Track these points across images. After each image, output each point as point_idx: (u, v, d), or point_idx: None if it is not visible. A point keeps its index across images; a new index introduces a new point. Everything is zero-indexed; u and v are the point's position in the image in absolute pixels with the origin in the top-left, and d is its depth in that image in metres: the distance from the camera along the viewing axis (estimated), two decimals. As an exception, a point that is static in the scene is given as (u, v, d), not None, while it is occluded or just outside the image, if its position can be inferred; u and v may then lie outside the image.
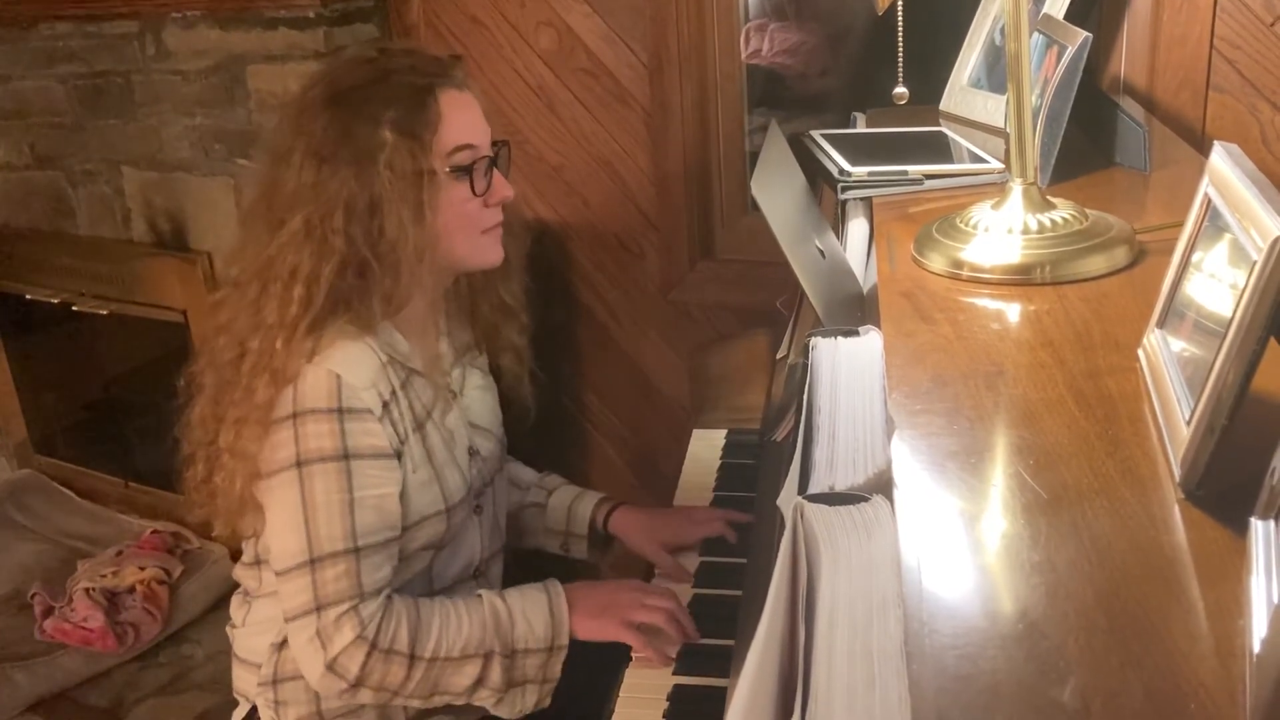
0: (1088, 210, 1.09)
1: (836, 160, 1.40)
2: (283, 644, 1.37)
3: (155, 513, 2.94)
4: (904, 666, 0.61)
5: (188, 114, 2.53)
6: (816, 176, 1.45)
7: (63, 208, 2.88)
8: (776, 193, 1.22)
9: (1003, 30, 1.27)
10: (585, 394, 2.45)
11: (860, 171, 1.36)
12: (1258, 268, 0.66)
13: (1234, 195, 0.74)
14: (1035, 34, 1.28)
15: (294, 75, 2.29)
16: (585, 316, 2.39)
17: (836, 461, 0.84)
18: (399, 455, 1.31)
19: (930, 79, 1.62)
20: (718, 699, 1.16)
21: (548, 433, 1.95)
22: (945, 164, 1.38)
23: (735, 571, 1.40)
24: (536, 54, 2.24)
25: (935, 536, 0.69)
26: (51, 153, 2.83)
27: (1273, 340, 0.67)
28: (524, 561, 1.61)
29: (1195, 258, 0.81)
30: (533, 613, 1.31)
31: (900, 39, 1.17)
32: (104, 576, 2.60)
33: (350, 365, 1.27)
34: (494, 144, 1.36)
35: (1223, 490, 0.69)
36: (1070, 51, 1.20)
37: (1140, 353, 0.86)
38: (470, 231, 1.34)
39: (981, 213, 1.09)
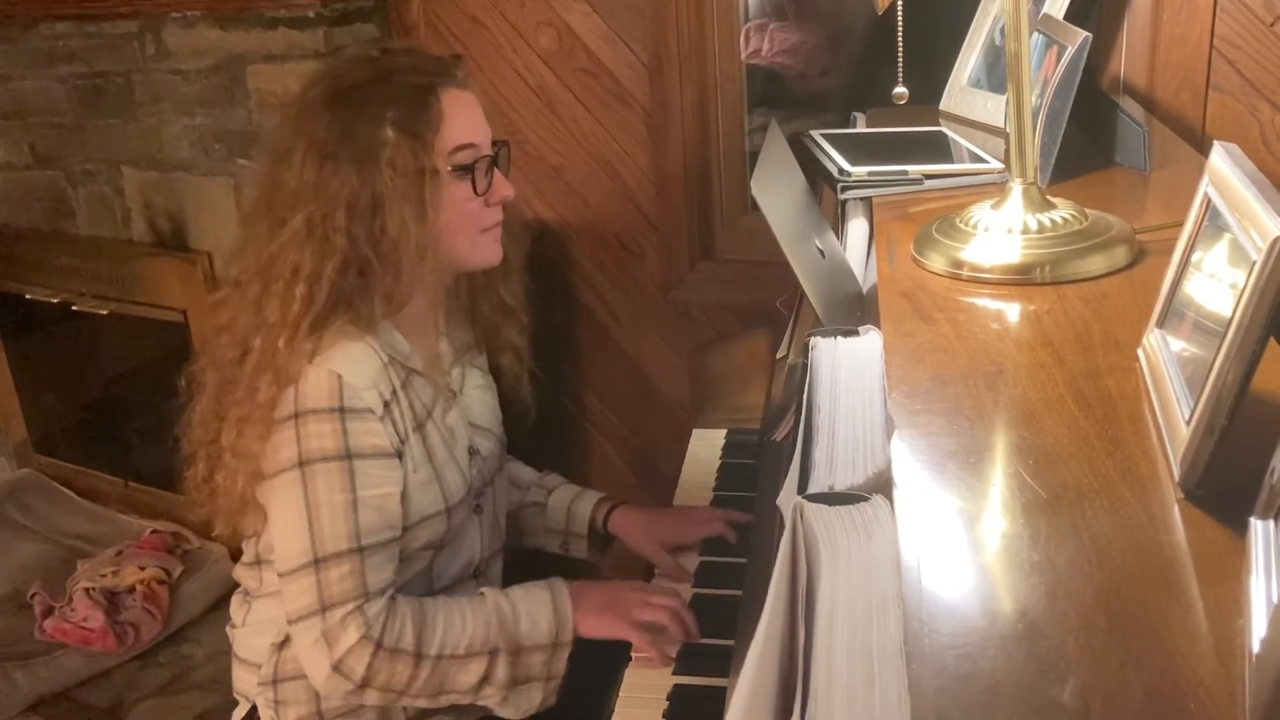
0: (1088, 210, 1.09)
1: (836, 160, 1.40)
2: (283, 644, 1.37)
3: (155, 512, 2.94)
4: (904, 666, 0.61)
5: (188, 114, 2.53)
6: (816, 176, 1.45)
7: (63, 208, 2.88)
8: (776, 193, 1.22)
9: (1003, 30, 1.27)
10: (585, 394, 2.45)
11: (860, 171, 1.36)
12: (1257, 268, 0.66)
13: (1234, 195, 0.74)
14: (1035, 34, 1.28)
15: (294, 75, 2.29)
16: (585, 316, 2.39)
17: (836, 461, 0.84)
18: (400, 455, 1.31)
19: (930, 79, 1.62)
20: (718, 699, 1.16)
21: (548, 433, 1.95)
22: (945, 164, 1.38)
23: (735, 571, 1.40)
24: (536, 54, 2.24)
25: (935, 536, 0.69)
26: (51, 153, 2.83)
27: (1273, 340, 0.67)
28: (524, 561, 1.61)
29: (1195, 257, 0.81)
30: (537, 609, 1.31)
31: (900, 39, 1.17)
32: (104, 576, 2.60)
33: (351, 365, 1.27)
34: (494, 144, 1.36)
35: (1222, 490, 0.69)
36: (1070, 51, 1.20)
37: (1140, 352, 0.86)
38: (471, 230, 1.34)
39: (981, 213, 1.09)
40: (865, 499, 0.76)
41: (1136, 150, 1.34)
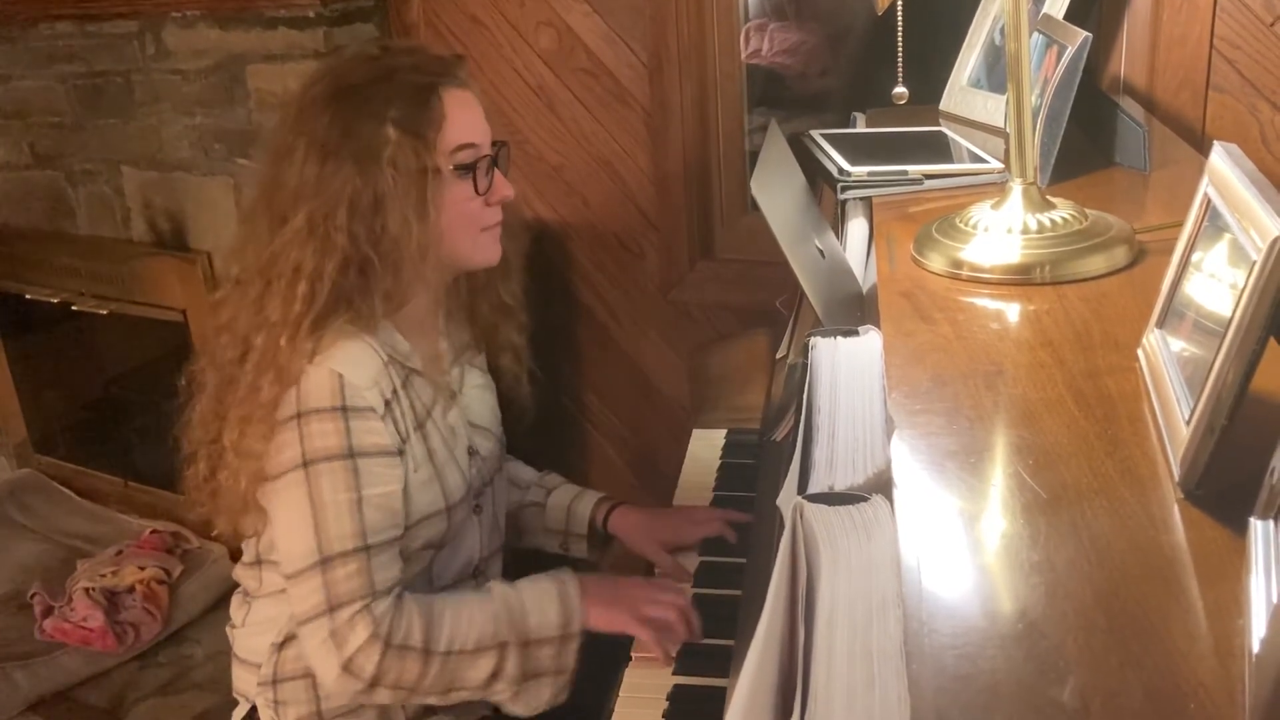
0: (1087, 210, 1.09)
1: (836, 160, 1.40)
2: (283, 644, 1.37)
3: (155, 512, 2.94)
4: (903, 666, 0.61)
5: (187, 113, 2.53)
6: (816, 176, 1.45)
7: (62, 207, 2.88)
8: (776, 192, 1.22)
9: (1003, 30, 1.27)
10: (585, 394, 2.45)
11: (860, 171, 1.36)
12: (1257, 267, 0.66)
13: (1234, 195, 0.74)
14: (1035, 34, 1.28)
15: (294, 75, 2.29)
16: (585, 316, 2.39)
17: (836, 461, 0.84)
18: (401, 454, 1.31)
19: (930, 79, 1.62)
20: (718, 699, 1.16)
21: (547, 432, 1.95)
22: (945, 164, 1.38)
23: (735, 571, 1.40)
24: (536, 54, 2.24)
25: (935, 536, 0.69)
26: (51, 152, 2.83)
27: (1272, 340, 0.67)
28: (523, 561, 1.61)
29: (1195, 258, 0.81)
30: (545, 601, 1.30)
31: (900, 39, 1.17)
32: (104, 576, 2.60)
33: (352, 364, 1.27)
34: (494, 144, 1.36)
35: (1222, 490, 0.69)
36: (1070, 51, 1.20)
37: (1140, 352, 0.86)
38: (470, 230, 1.34)
39: (981, 213, 1.09)
40: (865, 499, 0.76)
41: (1136, 150, 1.34)
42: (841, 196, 1.37)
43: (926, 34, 1.32)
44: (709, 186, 2.23)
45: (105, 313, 2.86)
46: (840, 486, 0.80)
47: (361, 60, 1.34)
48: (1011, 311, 0.98)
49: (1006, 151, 1.15)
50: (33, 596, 2.61)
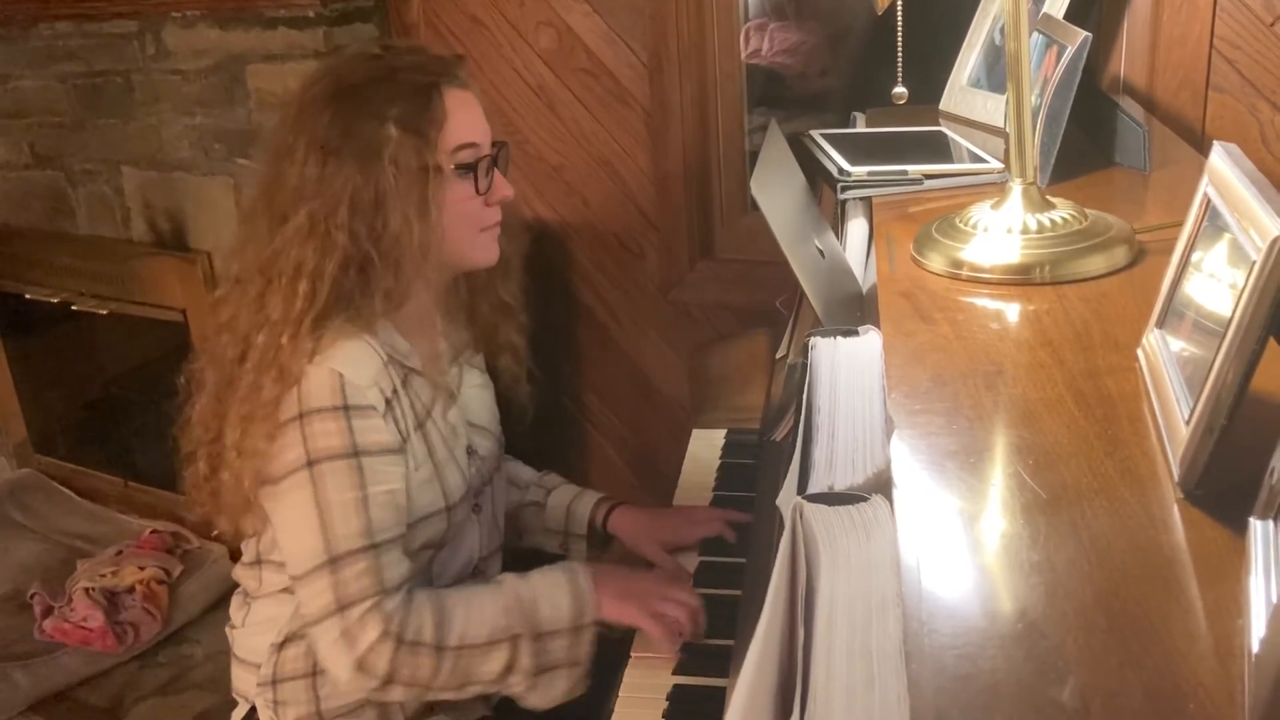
0: (1087, 210, 1.09)
1: (836, 160, 1.40)
2: (283, 644, 1.37)
3: (155, 512, 2.94)
4: (903, 666, 0.61)
5: (187, 113, 2.53)
6: (816, 176, 1.45)
7: (62, 207, 2.88)
8: (776, 192, 1.22)
9: (1002, 30, 1.27)
10: (585, 394, 2.45)
11: (860, 171, 1.36)
12: (1257, 267, 0.66)
13: (1233, 195, 0.74)
14: (1035, 34, 1.28)
15: (293, 75, 2.29)
16: (585, 316, 2.39)
17: (836, 461, 0.84)
18: (402, 452, 1.31)
19: (930, 79, 1.62)
20: (717, 699, 1.16)
21: (547, 432, 1.95)
22: (945, 164, 1.38)
23: (735, 571, 1.40)
24: (536, 54, 2.25)
25: (934, 536, 0.69)
26: (51, 152, 2.83)
27: (1272, 340, 0.67)
28: (523, 561, 1.61)
29: (1195, 257, 0.81)
30: (556, 592, 1.30)
31: (900, 39, 1.17)
32: (103, 576, 2.60)
33: (352, 364, 1.27)
34: (493, 144, 1.36)
35: (1222, 490, 0.69)
36: (1070, 51, 1.20)
37: (1139, 352, 0.86)
38: (469, 230, 1.34)
39: (981, 212, 1.09)
40: (865, 499, 0.76)
41: (1136, 150, 1.34)
42: (841, 196, 1.37)
43: (926, 34, 1.32)
44: (709, 186, 2.23)
45: (105, 313, 2.86)
46: (840, 486, 0.80)
47: (362, 59, 1.34)
48: (1011, 311, 0.98)
49: (1006, 151, 1.15)
50: (33, 596, 2.61)
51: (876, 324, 1.00)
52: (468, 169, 1.31)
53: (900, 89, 1.15)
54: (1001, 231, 1.06)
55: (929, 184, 1.35)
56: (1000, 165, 1.33)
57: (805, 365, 1.02)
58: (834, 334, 1.03)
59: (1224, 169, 0.77)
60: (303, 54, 2.28)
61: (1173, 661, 0.57)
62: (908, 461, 0.77)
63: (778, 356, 1.59)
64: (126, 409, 3.02)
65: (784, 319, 1.63)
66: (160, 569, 2.64)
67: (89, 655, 2.48)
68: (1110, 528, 0.67)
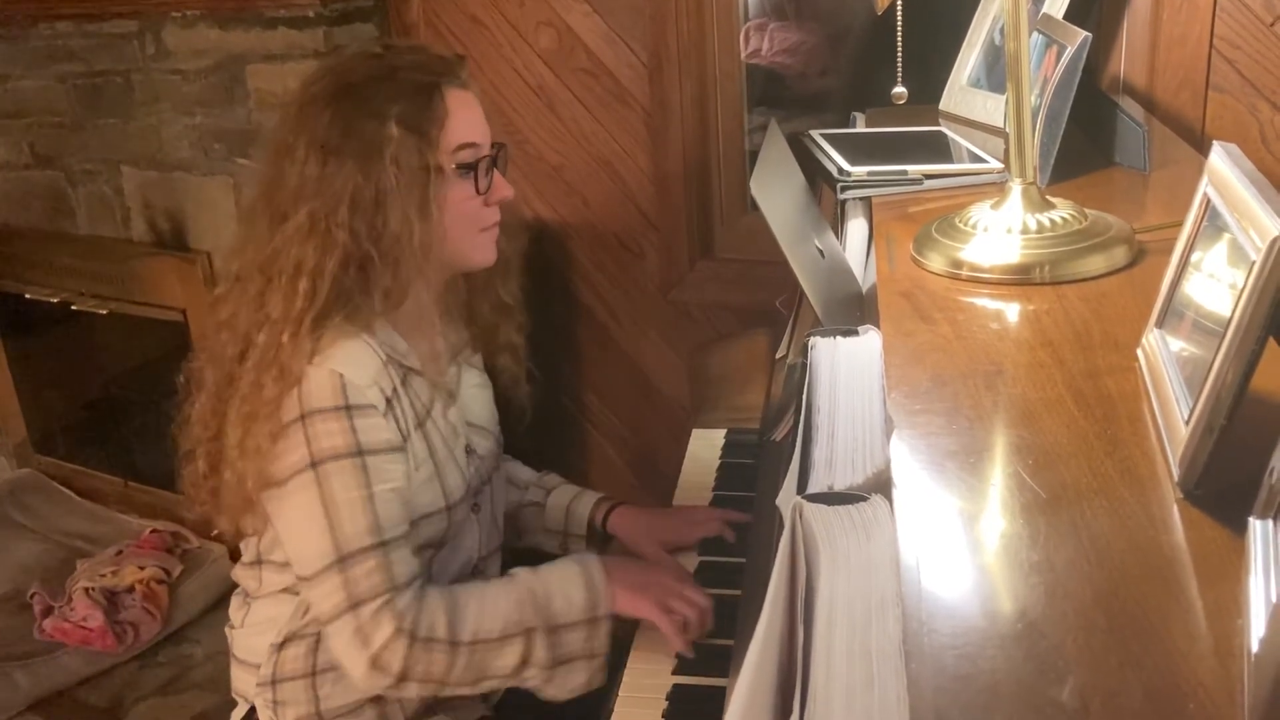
0: (1087, 210, 1.09)
1: (836, 160, 1.40)
2: (282, 644, 1.37)
3: (154, 512, 2.94)
4: (902, 666, 0.61)
5: (187, 113, 2.53)
6: (816, 176, 1.45)
7: (62, 207, 2.88)
8: (776, 192, 1.22)
9: (1002, 30, 1.27)
10: (585, 394, 2.45)
11: (860, 171, 1.36)
12: (1256, 267, 0.66)
13: (1233, 195, 0.74)
14: (1035, 34, 1.28)
15: (293, 75, 2.29)
16: (585, 316, 2.39)
17: (835, 461, 0.84)
18: (403, 451, 1.31)
19: (930, 79, 1.62)
20: (717, 699, 1.16)
21: (547, 432, 1.95)
22: (945, 164, 1.38)
23: (734, 571, 1.40)
24: (536, 54, 2.25)
25: (934, 536, 0.69)
26: (51, 152, 2.83)
27: (1272, 340, 0.67)
28: (522, 560, 1.61)
29: (1194, 257, 0.81)
30: (569, 585, 1.30)
31: (900, 39, 1.17)
32: (103, 576, 2.60)
33: (352, 363, 1.27)
34: (493, 145, 1.36)
35: (1221, 490, 0.69)
36: (1070, 51, 1.20)
37: (1139, 352, 0.86)
38: (468, 229, 1.34)
39: (981, 212, 1.09)
40: (864, 499, 0.76)
41: (1136, 150, 1.34)
42: (841, 196, 1.37)
43: (926, 34, 1.32)
44: (709, 186, 2.23)
45: (105, 312, 2.86)
46: (840, 486, 0.80)
47: (363, 59, 1.34)
48: (1011, 311, 0.98)
49: (1006, 151, 1.15)
50: (32, 596, 2.61)
51: (876, 324, 1.00)
52: (468, 169, 1.31)
53: (900, 89, 1.16)
54: (1001, 231, 1.06)
55: (929, 184, 1.35)
56: (1000, 165, 1.33)
57: (805, 365, 1.02)
58: (834, 334, 1.03)
59: (1224, 169, 0.77)
60: (303, 54, 2.28)
61: (1173, 661, 0.57)
62: (907, 461, 0.77)
63: (777, 356, 1.59)
64: (126, 409, 3.02)
65: (784, 319, 1.63)
66: (160, 569, 2.64)
67: (89, 655, 2.48)
68: (1110, 528, 0.67)
